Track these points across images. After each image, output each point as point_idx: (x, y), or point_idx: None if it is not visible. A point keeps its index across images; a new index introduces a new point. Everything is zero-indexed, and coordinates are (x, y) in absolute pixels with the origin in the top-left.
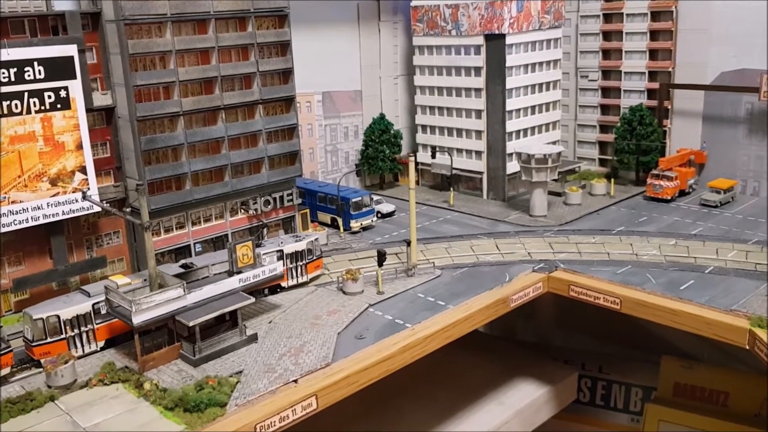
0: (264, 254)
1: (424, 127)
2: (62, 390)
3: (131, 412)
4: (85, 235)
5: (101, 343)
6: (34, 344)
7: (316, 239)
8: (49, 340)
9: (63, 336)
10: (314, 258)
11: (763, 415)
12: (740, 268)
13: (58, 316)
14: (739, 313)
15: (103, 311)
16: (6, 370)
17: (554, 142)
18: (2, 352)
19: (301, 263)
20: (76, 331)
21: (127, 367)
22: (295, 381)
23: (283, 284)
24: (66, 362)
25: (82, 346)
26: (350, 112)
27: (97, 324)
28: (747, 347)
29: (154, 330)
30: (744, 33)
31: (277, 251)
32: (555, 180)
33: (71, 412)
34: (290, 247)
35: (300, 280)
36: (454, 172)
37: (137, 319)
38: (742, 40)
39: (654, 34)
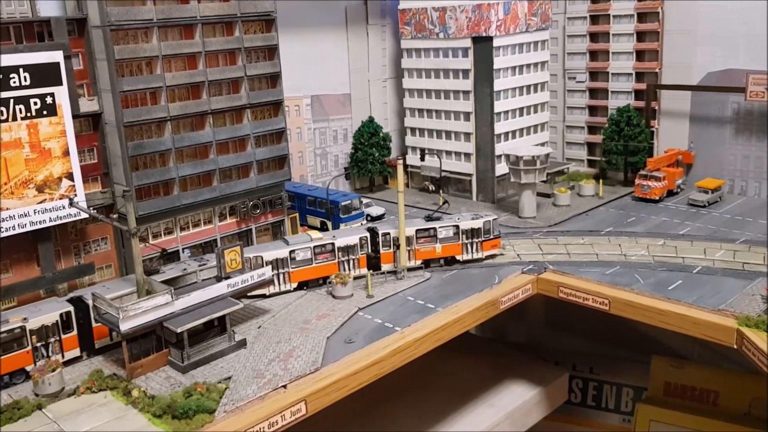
0: (440, 227)
1: (413, 129)
2: (50, 398)
3: (119, 420)
4: (72, 242)
5: (294, 285)
6: None
7: (495, 219)
8: None
9: None
10: (491, 237)
11: (752, 413)
12: (728, 268)
13: (262, 257)
14: (727, 313)
15: (298, 258)
16: None
17: (543, 144)
18: None
19: (476, 240)
20: (275, 272)
21: (115, 375)
22: (284, 386)
23: (458, 257)
24: (53, 370)
25: (278, 285)
26: (339, 115)
27: (291, 268)
28: (735, 347)
29: (141, 336)
30: (729, 33)
31: (454, 226)
32: (544, 181)
33: (59, 420)
34: (466, 224)
35: (475, 256)
36: (443, 174)
37: (125, 326)
38: (728, 41)
39: (641, 36)
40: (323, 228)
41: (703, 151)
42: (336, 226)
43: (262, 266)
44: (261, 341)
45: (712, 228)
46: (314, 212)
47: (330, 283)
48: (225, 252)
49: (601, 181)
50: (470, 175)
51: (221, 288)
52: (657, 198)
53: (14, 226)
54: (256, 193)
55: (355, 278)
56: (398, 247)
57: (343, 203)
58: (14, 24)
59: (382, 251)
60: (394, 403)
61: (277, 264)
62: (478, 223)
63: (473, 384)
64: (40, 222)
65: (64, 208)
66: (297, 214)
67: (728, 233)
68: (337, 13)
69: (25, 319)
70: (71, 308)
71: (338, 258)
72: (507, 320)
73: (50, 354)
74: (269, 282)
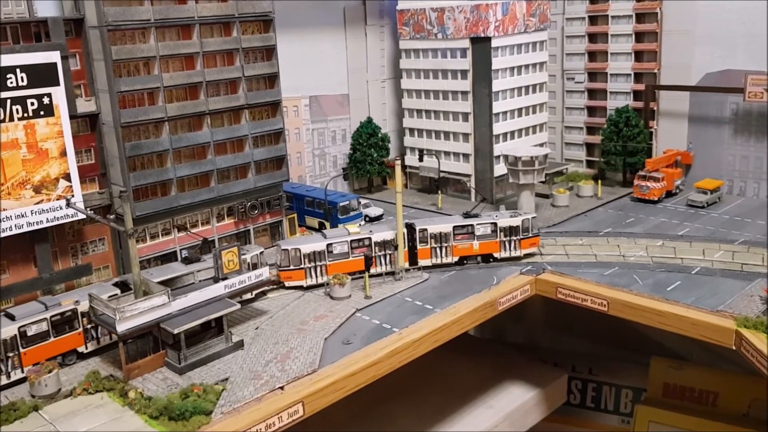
0: (478, 224)
1: (411, 130)
2: (46, 400)
3: (116, 421)
4: (69, 243)
5: (331, 277)
6: (281, 269)
7: (534, 217)
8: (292, 267)
9: (302, 266)
10: (530, 235)
11: (751, 414)
12: (726, 269)
13: (299, 249)
14: (726, 314)
15: (336, 251)
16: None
17: (541, 145)
18: None
19: (514, 238)
20: (312, 264)
21: (111, 376)
22: (281, 388)
23: (496, 255)
24: (50, 372)
25: (315, 278)
26: (338, 116)
27: (329, 261)
28: (734, 348)
29: (138, 337)
30: (727, 34)
31: (491, 224)
32: (542, 182)
33: (55, 421)
34: (504, 222)
35: (513, 254)
36: (441, 174)
37: (121, 327)
38: (726, 41)
39: (639, 36)
40: (321, 229)
41: (701, 151)
42: (334, 227)
43: (300, 259)
44: (258, 342)
45: (711, 229)
46: (312, 213)
47: (328, 284)
48: (222, 253)
49: (599, 181)
50: (469, 175)
51: (218, 289)
52: (656, 199)
53: (11, 227)
54: (254, 194)
55: (391, 273)
56: (396, 247)
57: (341, 204)
58: (11, 24)
59: (419, 247)
60: (392, 404)
61: (314, 257)
62: (516, 221)
63: (472, 385)
64: (37, 223)
65: (61, 208)
66: (295, 215)
67: (727, 234)
68: (336, 14)
69: (77, 302)
70: (118, 291)
71: (375, 252)
72: (506, 321)
73: (99, 336)
74: (267, 283)
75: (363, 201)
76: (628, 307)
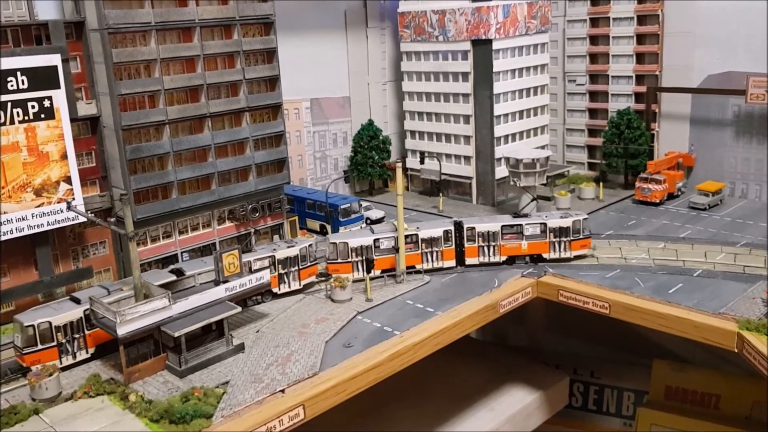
0: (527, 224)
1: (412, 132)
2: (47, 403)
3: (116, 424)
4: (70, 246)
5: (378, 272)
6: (329, 262)
7: (586, 218)
8: (339, 260)
9: (349, 260)
10: (580, 237)
11: (753, 417)
12: (728, 271)
13: (347, 243)
14: (728, 316)
15: (382, 246)
16: (312, 278)
17: (543, 147)
18: (310, 264)
19: (565, 239)
20: (359, 258)
21: (112, 379)
22: (282, 391)
23: (545, 255)
24: (50, 375)
25: (362, 272)
26: (339, 118)
27: (375, 256)
28: (736, 350)
29: (139, 341)
30: (728, 35)
31: (541, 224)
32: (544, 184)
33: (55, 425)
34: (554, 222)
35: (562, 255)
36: (443, 177)
37: (122, 330)
38: (727, 43)
39: (640, 38)
40: (323, 231)
41: (703, 153)
42: (335, 230)
43: (348, 252)
44: (259, 345)
45: (713, 231)
46: (313, 215)
47: (329, 286)
48: (223, 255)
49: (601, 184)
50: (470, 178)
51: (219, 292)
52: (657, 201)
53: (12, 230)
54: (255, 197)
55: (438, 270)
56: (397, 250)
57: (342, 206)
58: (12, 27)
59: (466, 245)
60: (393, 406)
61: (361, 251)
62: (567, 222)
63: (473, 388)
64: (38, 226)
65: (62, 211)
66: (296, 218)
67: (729, 236)
68: (336, 16)
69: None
70: (174, 278)
71: (422, 249)
72: (507, 324)
73: None
74: (267, 285)
75: (364, 204)
76: (630, 309)
